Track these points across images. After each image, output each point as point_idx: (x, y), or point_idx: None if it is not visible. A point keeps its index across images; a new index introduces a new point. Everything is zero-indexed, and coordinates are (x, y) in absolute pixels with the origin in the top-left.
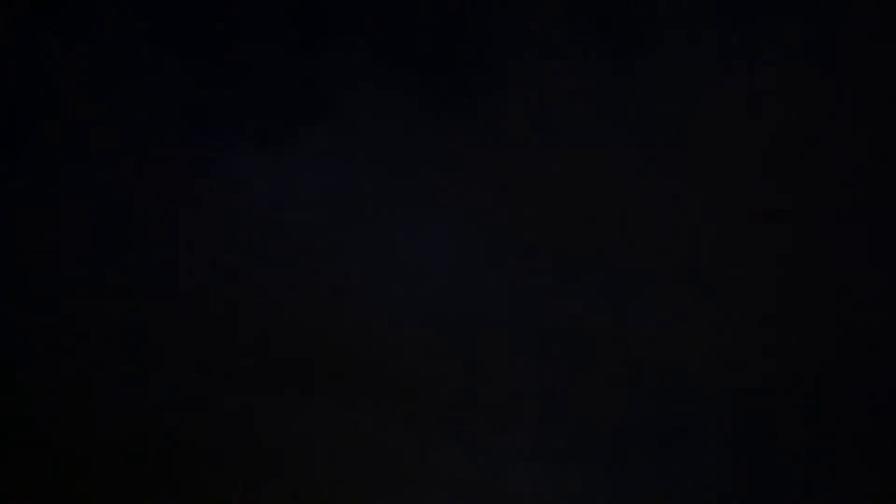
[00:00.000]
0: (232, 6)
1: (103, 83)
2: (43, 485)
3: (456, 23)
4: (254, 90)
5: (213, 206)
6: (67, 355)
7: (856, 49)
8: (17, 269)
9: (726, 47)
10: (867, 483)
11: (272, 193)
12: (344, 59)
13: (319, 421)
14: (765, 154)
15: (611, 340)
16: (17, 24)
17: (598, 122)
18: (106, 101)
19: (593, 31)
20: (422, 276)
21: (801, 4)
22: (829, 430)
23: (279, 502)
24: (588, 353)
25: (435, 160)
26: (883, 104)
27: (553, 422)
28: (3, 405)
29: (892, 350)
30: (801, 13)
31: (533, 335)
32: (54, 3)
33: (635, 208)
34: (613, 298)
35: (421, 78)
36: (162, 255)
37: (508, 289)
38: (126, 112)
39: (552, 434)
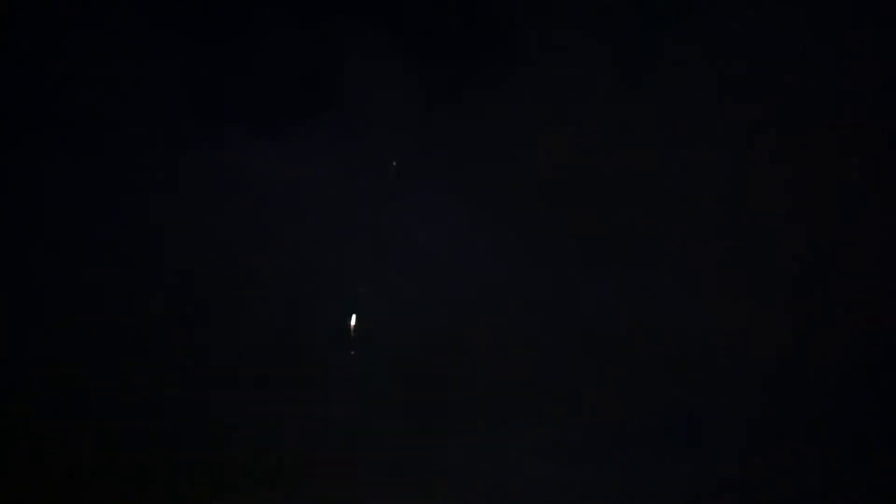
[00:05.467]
0: None
1: (111, 76)
2: (47, 484)
3: (465, 8)
4: (263, 80)
5: (219, 197)
6: (73, 354)
7: (860, 47)
8: (18, 267)
9: (749, 39)
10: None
11: (281, 183)
12: (352, 45)
13: (324, 419)
14: (780, 151)
15: (626, 336)
16: (22, 16)
17: (614, 110)
18: (113, 95)
19: (610, 12)
20: (431, 272)
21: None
22: (853, 425)
23: (286, 500)
24: (604, 348)
25: (444, 150)
26: (886, 101)
27: (569, 418)
28: (3, 405)
29: None
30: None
31: (545, 331)
32: None
33: (653, 199)
34: (630, 292)
35: (431, 65)
36: (168, 250)
37: (521, 286)
38: (129, 105)
39: (566, 431)
